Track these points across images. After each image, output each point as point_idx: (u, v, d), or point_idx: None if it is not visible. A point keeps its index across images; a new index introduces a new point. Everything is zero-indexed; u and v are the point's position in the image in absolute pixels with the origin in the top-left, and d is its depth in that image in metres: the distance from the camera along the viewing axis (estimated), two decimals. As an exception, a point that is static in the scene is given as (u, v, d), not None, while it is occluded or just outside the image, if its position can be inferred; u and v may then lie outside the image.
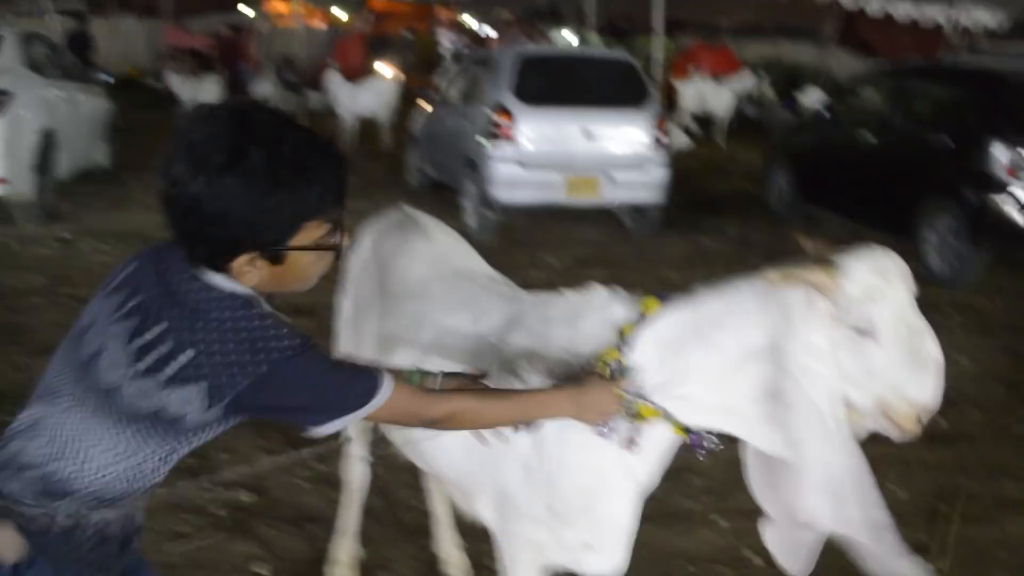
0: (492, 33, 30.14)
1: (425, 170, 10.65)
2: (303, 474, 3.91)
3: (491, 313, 2.36)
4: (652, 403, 1.95)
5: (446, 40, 26.74)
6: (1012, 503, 3.90)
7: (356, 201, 8.19)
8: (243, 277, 1.57)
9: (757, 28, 24.60)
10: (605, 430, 1.96)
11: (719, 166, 13.80)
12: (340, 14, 30.26)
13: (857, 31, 19.60)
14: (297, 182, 1.52)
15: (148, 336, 1.53)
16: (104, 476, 1.56)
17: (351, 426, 2.23)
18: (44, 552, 1.56)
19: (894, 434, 1.85)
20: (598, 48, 15.01)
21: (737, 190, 11.80)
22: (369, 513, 3.55)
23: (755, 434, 1.94)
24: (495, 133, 8.35)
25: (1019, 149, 6.97)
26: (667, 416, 1.96)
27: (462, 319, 2.38)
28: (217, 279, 1.57)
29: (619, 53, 10.84)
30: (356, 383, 1.63)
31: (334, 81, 14.35)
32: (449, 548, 3.21)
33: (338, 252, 1.64)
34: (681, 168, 11.26)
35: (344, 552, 3.17)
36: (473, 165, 8.73)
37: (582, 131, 8.45)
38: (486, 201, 8.46)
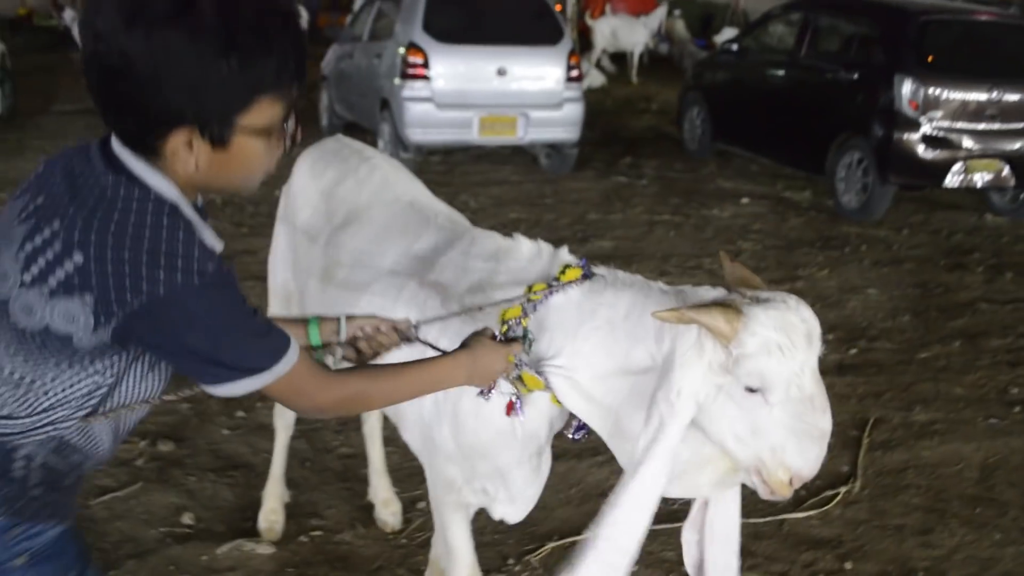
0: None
1: (337, 110, 10.43)
2: (223, 421, 3.84)
3: (423, 239, 2.34)
4: (538, 374, 1.89)
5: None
6: (921, 428, 4.04)
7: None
8: (176, 163, 1.31)
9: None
10: (485, 392, 1.92)
11: (633, 104, 13.84)
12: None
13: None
14: (253, 46, 1.26)
15: (38, 240, 1.29)
16: (20, 409, 1.36)
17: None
18: None
19: (762, 492, 1.73)
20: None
21: (652, 127, 11.87)
22: (295, 456, 3.52)
23: (613, 443, 1.92)
24: (407, 72, 8.20)
25: (923, 83, 7.13)
26: (549, 390, 1.90)
27: (399, 245, 2.36)
28: (139, 168, 1.32)
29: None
30: (265, 340, 1.39)
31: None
32: (384, 493, 3.20)
33: (292, 142, 1.41)
34: (595, 106, 11.30)
35: (272, 497, 3.14)
36: (386, 105, 8.57)
37: (496, 69, 8.35)
38: (400, 141, 8.34)
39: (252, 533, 3.10)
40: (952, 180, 7.23)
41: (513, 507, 2.19)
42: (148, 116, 1.28)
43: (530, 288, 1.97)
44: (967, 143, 7.23)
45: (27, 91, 11.19)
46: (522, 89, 8.46)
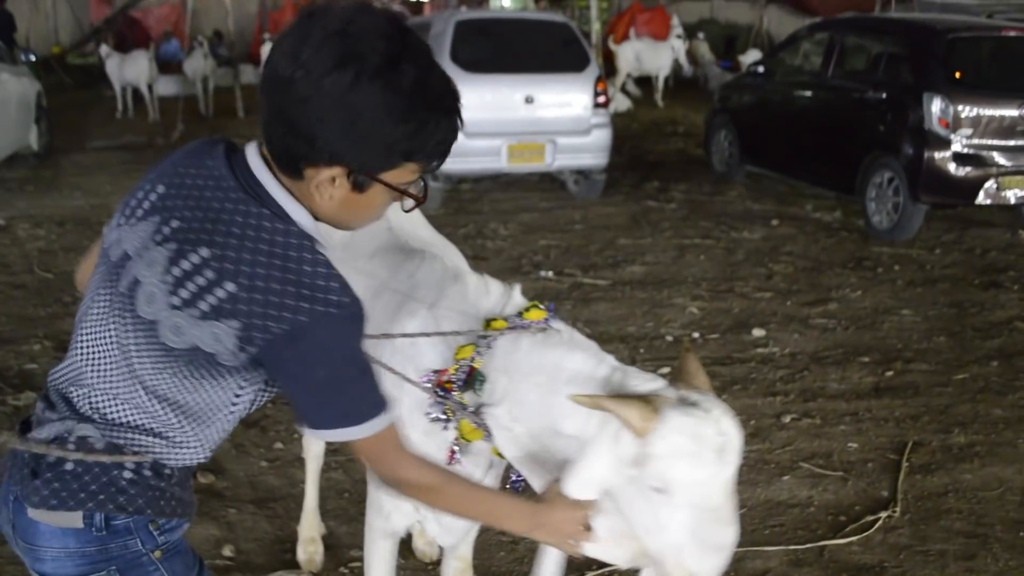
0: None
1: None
2: (261, 454, 3.87)
3: (387, 258, 2.32)
4: (479, 423, 1.87)
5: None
6: (961, 451, 4.00)
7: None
8: (316, 194, 1.42)
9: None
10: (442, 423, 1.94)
11: (659, 127, 13.87)
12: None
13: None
14: (428, 117, 1.38)
15: (186, 265, 1.39)
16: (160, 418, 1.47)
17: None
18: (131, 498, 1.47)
19: None
20: (535, 11, 14.91)
21: (679, 150, 11.88)
22: (333, 488, 3.54)
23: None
24: (436, 102, 8.24)
25: (953, 101, 7.10)
26: (489, 440, 1.89)
27: (376, 268, 2.31)
28: (281, 197, 1.43)
29: (556, 15, 10.79)
30: (375, 391, 1.47)
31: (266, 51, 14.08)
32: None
33: (417, 204, 1.50)
34: (622, 130, 11.33)
35: (308, 528, 3.16)
36: (414, 135, 8.62)
37: (523, 97, 8.41)
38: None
39: (292, 565, 3.12)
40: (984, 197, 7.17)
41: (442, 531, 2.21)
42: (312, 146, 1.37)
43: (488, 323, 1.91)
44: (999, 160, 7.18)
45: (62, 128, 11.40)
46: (550, 116, 8.50)
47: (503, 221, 7.96)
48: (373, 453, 1.52)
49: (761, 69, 9.66)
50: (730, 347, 5.08)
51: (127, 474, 1.47)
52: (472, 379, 1.88)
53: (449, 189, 8.95)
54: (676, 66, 17.11)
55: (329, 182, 1.41)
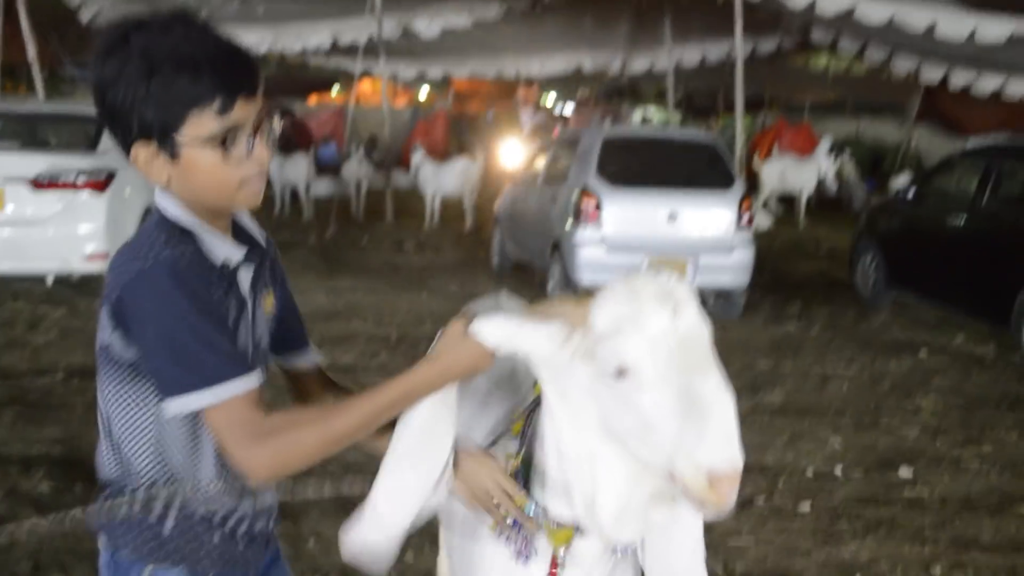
0: (570, 112, 30.53)
1: (507, 250, 10.75)
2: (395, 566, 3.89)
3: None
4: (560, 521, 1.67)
5: (526, 118, 27.14)
6: None
7: (442, 281, 8.33)
8: (152, 173, 1.53)
9: (838, 105, 24.58)
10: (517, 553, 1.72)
11: (801, 247, 13.67)
12: (422, 94, 31.06)
13: (938, 106, 19.34)
14: (171, 70, 1.45)
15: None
16: (136, 451, 1.56)
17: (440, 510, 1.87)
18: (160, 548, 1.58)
19: (696, 506, 1.40)
20: (682, 130, 15.09)
21: (821, 272, 11.66)
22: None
23: None
24: (580, 215, 8.41)
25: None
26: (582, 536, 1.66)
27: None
28: (158, 194, 1.58)
29: (703, 134, 10.90)
30: (209, 355, 1.46)
31: (420, 160, 14.66)
32: None
33: (248, 150, 1.53)
34: (763, 249, 11.21)
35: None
36: (557, 246, 8.78)
37: (667, 213, 8.46)
38: (569, 283, 8.49)
39: None
40: None
41: None
42: (117, 131, 1.53)
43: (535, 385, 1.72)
44: None
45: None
46: (692, 234, 8.52)
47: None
48: (221, 430, 1.47)
49: (912, 192, 9.47)
50: (874, 486, 4.88)
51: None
52: (528, 465, 1.71)
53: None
54: (822, 184, 16.92)
55: (148, 158, 1.52)
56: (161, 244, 1.49)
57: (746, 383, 6.63)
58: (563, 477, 1.62)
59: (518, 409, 1.83)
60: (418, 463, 1.63)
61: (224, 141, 1.50)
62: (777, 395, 6.39)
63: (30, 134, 8.70)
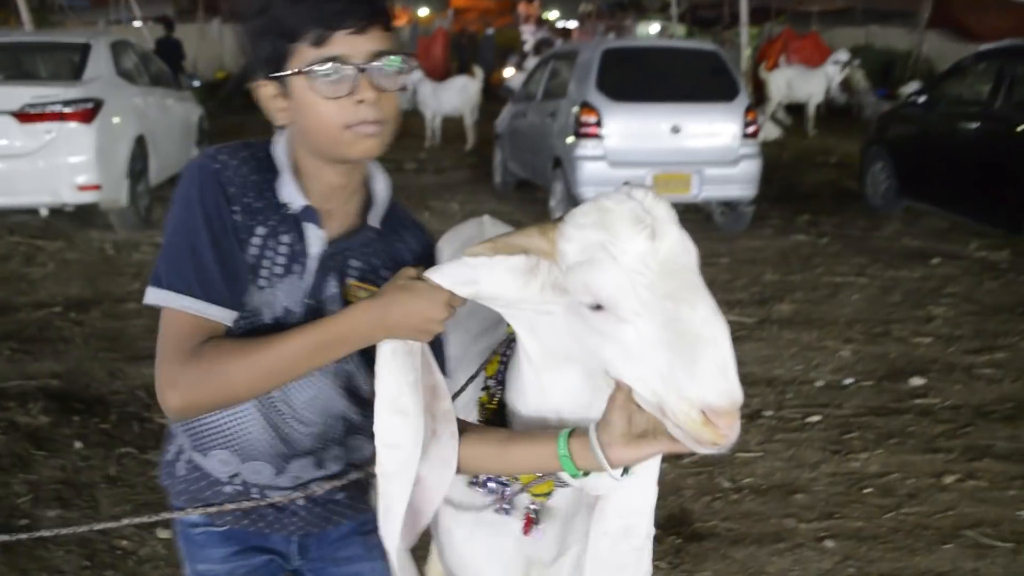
0: (574, 25, 29.96)
1: (509, 167, 10.58)
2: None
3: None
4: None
5: (528, 35, 26.64)
6: None
7: (443, 201, 8.18)
8: (276, 114, 1.49)
9: (847, 13, 23.99)
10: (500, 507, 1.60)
11: (811, 157, 13.42)
12: (421, 12, 30.47)
13: (949, 12, 18.85)
14: (279, 5, 1.42)
15: None
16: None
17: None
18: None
19: (687, 442, 1.24)
20: (684, 39, 14.74)
21: (831, 182, 11.45)
22: None
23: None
24: (580, 131, 8.20)
25: None
26: (562, 483, 1.54)
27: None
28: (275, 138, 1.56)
29: (706, 44, 10.59)
30: (183, 257, 1.41)
31: (417, 80, 14.39)
32: None
33: (351, 89, 1.40)
34: (771, 160, 11.01)
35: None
36: (558, 163, 8.60)
37: (670, 126, 8.25)
38: (572, 200, 8.34)
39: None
40: None
41: None
42: (247, 71, 1.50)
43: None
44: None
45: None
46: (697, 146, 8.31)
47: (646, 253, 7.80)
48: (160, 338, 1.42)
49: (923, 99, 9.21)
50: (885, 396, 4.78)
51: None
52: (503, 409, 1.59)
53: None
54: (831, 92, 16.60)
55: (272, 99, 1.47)
56: (230, 151, 1.49)
57: (752, 295, 6.52)
58: (541, 419, 1.50)
59: (493, 346, 1.71)
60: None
61: (326, 76, 1.40)
62: (786, 307, 6.27)
63: (14, 65, 8.46)
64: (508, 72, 19.71)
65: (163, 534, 3.39)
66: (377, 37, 1.42)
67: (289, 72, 1.42)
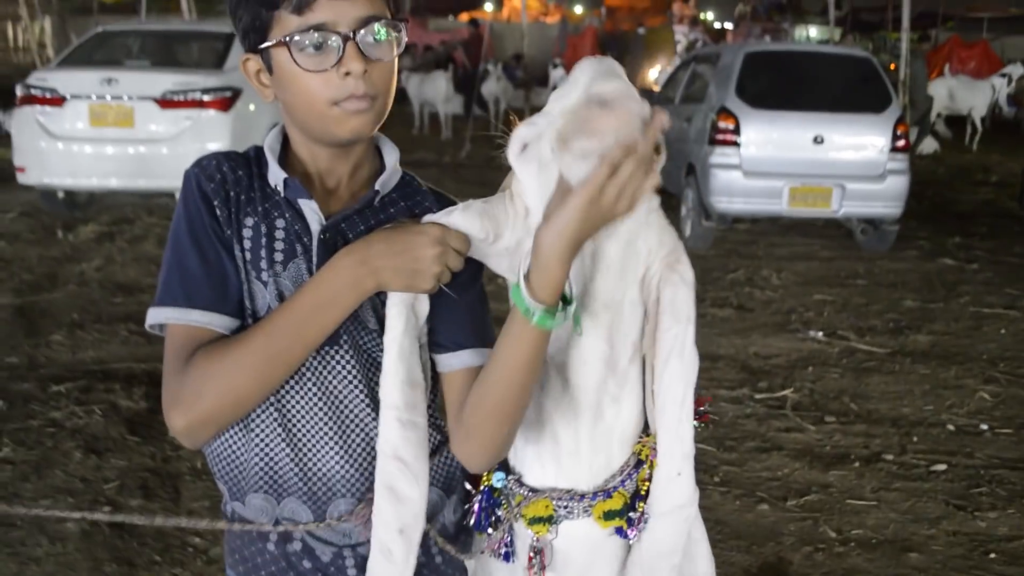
0: (729, 27, 29.32)
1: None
2: None
3: None
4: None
5: (681, 35, 26.15)
6: None
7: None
8: (259, 88, 1.35)
9: (1021, 20, 22.58)
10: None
11: (969, 174, 12.61)
12: (574, 10, 30.36)
13: None
14: None
15: None
16: None
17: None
18: None
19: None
20: (834, 45, 14.09)
21: (989, 202, 10.70)
22: None
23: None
24: (716, 138, 7.87)
25: None
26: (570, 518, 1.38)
27: None
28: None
29: (856, 50, 10.04)
30: (177, 273, 1.30)
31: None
32: None
33: (337, 60, 1.26)
34: (925, 175, 10.38)
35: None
36: (691, 170, 8.29)
37: (812, 137, 7.82)
38: (704, 208, 8.01)
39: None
40: None
41: None
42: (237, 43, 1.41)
43: None
44: None
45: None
46: (840, 159, 7.85)
47: (776, 269, 7.43)
48: (164, 359, 1.30)
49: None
50: (1025, 447, 4.34)
51: None
52: None
53: (723, 229, 8.51)
54: (998, 105, 15.62)
55: (257, 74, 1.34)
56: (220, 154, 1.36)
57: (888, 323, 6.08)
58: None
59: None
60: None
61: (309, 47, 1.25)
62: (923, 338, 5.81)
63: (162, 52, 8.74)
64: (653, 74, 19.38)
65: (235, 536, 3.34)
66: (366, 1, 1.25)
67: (269, 44, 1.27)
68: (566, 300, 1.19)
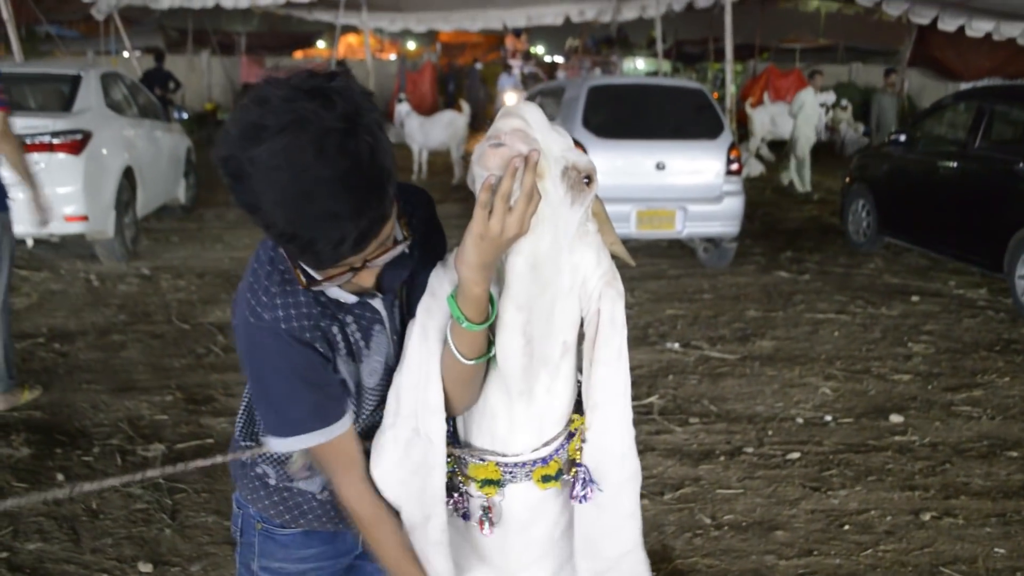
0: (560, 60, 30.21)
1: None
2: None
3: None
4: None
5: (516, 69, 26.82)
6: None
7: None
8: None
9: (829, 51, 24.33)
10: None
11: (793, 194, 13.56)
12: (407, 46, 30.66)
13: (930, 51, 19.11)
14: (313, 235, 1.46)
15: None
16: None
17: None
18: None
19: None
20: (669, 77, 14.89)
21: (813, 218, 11.58)
22: None
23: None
24: (566, 166, 8.24)
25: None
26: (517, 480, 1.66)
27: None
28: None
29: (691, 82, 10.71)
30: (309, 403, 1.54)
31: (405, 113, 14.47)
32: None
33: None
34: (754, 196, 11.13)
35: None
36: (542, 198, 8.63)
37: (655, 163, 8.34)
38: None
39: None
40: None
41: None
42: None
43: None
44: None
45: (208, 183, 11.91)
46: (680, 183, 8.40)
47: (630, 288, 7.86)
48: (320, 464, 1.63)
49: (903, 137, 9.34)
50: (865, 433, 4.83)
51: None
52: None
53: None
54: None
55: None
56: (272, 294, 1.49)
57: (736, 332, 6.57)
58: None
59: None
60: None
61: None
62: (768, 343, 6.33)
63: (7, 95, 8.48)
64: (509, 99, 19.81)
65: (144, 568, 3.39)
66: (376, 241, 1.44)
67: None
68: (493, 304, 1.47)
